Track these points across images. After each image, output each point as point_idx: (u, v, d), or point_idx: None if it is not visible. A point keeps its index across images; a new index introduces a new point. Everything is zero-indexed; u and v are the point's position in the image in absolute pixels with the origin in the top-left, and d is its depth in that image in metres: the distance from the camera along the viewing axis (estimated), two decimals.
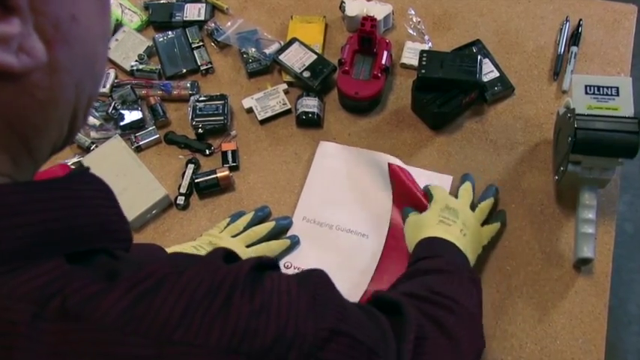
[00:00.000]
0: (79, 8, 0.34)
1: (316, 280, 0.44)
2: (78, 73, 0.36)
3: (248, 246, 0.83)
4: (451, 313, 0.60)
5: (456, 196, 0.83)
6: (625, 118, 0.77)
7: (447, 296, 0.62)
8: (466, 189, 0.84)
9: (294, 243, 0.86)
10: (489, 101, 0.96)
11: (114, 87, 0.99)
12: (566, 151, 0.79)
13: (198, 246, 0.81)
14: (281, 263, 0.85)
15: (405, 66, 1.00)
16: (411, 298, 0.60)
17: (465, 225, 0.77)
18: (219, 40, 1.02)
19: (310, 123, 0.95)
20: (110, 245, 0.38)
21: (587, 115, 0.77)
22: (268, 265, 0.43)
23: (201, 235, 0.86)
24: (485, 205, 0.83)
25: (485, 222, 0.83)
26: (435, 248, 0.74)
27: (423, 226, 0.77)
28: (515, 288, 0.82)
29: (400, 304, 0.54)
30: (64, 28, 0.33)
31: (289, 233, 0.87)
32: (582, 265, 0.82)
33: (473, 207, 0.83)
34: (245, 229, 0.85)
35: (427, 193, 0.84)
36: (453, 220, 0.77)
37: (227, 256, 0.43)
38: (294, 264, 0.85)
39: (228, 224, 0.86)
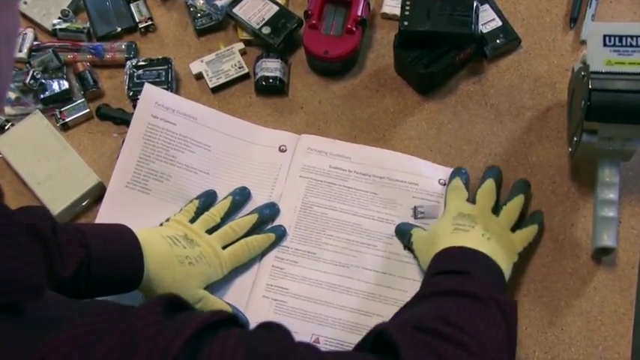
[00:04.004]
0: None
1: (269, 351, 0.43)
2: None
3: (225, 246, 0.81)
4: (469, 353, 0.59)
5: (474, 201, 0.81)
6: None
7: (466, 331, 0.61)
8: (486, 190, 0.81)
9: (280, 236, 0.84)
10: (490, 57, 0.95)
11: (32, 51, 0.97)
12: (580, 117, 0.78)
13: (174, 237, 0.78)
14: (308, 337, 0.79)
15: (386, 16, 0.99)
16: (420, 331, 0.60)
17: (486, 230, 0.76)
18: None
19: (272, 90, 0.94)
20: (4, 299, 0.37)
21: (605, 73, 0.76)
22: (217, 323, 0.42)
23: (167, 219, 0.83)
24: (513, 206, 0.80)
25: (517, 225, 0.80)
26: (458, 260, 0.72)
27: (437, 239, 0.76)
28: (522, 285, 0.81)
29: (400, 348, 0.54)
30: None
31: (276, 222, 0.85)
32: (602, 255, 0.82)
33: (497, 210, 0.80)
34: (222, 220, 0.83)
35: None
36: (470, 226, 0.76)
37: (171, 306, 0.42)
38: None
39: (198, 209, 0.83)
